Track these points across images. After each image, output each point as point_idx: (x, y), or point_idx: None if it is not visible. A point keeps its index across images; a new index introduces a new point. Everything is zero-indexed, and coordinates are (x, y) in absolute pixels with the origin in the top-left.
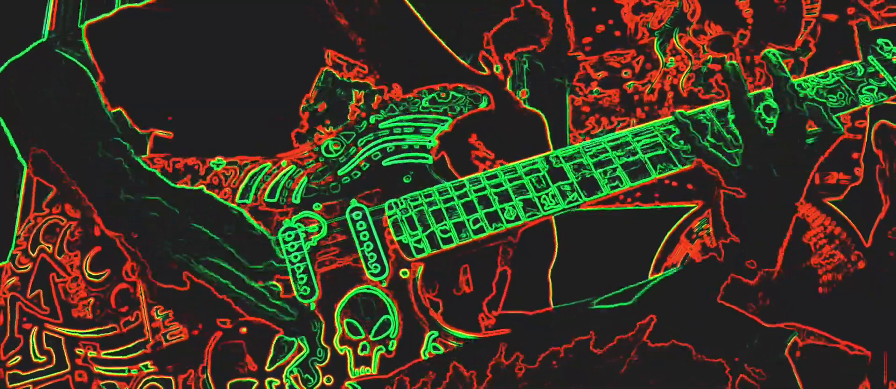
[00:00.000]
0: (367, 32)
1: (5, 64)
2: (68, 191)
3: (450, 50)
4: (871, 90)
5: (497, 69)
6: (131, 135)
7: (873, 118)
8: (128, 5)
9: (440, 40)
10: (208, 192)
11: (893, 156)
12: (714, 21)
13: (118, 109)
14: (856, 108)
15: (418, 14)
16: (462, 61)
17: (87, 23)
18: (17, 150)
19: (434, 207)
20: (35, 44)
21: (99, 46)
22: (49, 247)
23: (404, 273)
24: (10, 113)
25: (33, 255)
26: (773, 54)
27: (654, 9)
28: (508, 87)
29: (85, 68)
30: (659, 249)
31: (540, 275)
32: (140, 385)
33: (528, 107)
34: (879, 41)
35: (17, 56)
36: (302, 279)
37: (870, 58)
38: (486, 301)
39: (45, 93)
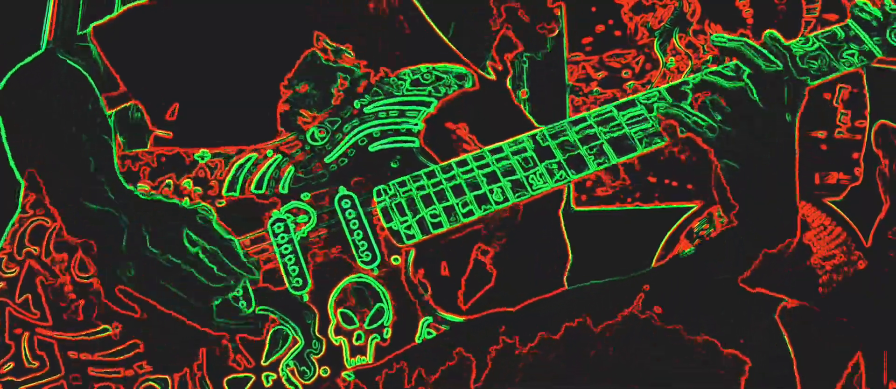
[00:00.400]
0: (368, 28)
1: (10, 73)
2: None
3: (457, 51)
4: (852, 54)
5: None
6: (133, 135)
7: (873, 117)
8: (131, 5)
9: (446, 39)
10: (171, 200)
11: (893, 156)
12: (714, 21)
13: (133, 103)
14: (837, 74)
15: (423, 11)
16: (469, 63)
17: (94, 24)
18: (12, 163)
19: (423, 192)
20: (39, 52)
21: (108, 47)
22: (35, 250)
23: (396, 259)
24: (12, 123)
25: (20, 259)
26: (718, 37)
27: (654, 9)
28: (508, 87)
29: (86, 74)
30: (659, 249)
31: (555, 281)
32: (136, 385)
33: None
34: (859, 2)
35: (21, 64)
36: (293, 270)
37: (849, 21)
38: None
39: (46, 101)
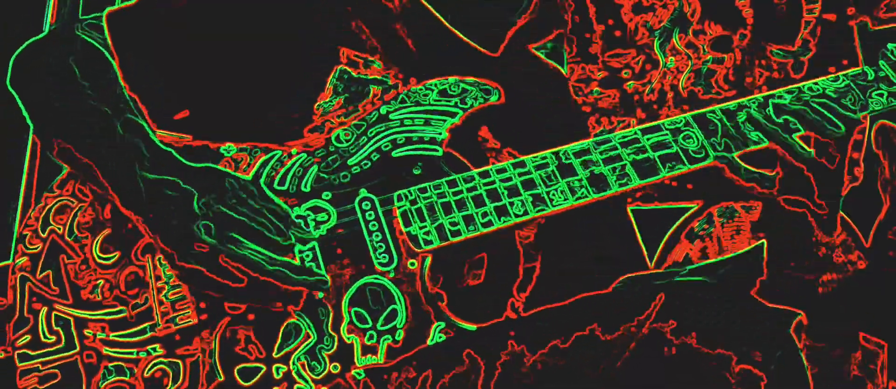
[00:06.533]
0: (385, 30)
1: (24, 44)
2: (90, 175)
3: (457, 32)
4: (881, 94)
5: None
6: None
7: (873, 119)
8: None
9: (446, 22)
10: (223, 168)
11: (893, 156)
12: (714, 21)
13: (133, 97)
14: (866, 113)
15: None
16: (471, 42)
17: (108, 10)
18: (31, 133)
19: (443, 199)
20: (52, 26)
21: (118, 35)
22: (59, 228)
23: (412, 264)
24: (29, 95)
25: (43, 235)
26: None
27: (654, 9)
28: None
29: (104, 51)
30: (659, 249)
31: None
32: (148, 367)
33: (548, 60)
34: (890, 46)
35: (37, 37)
36: (311, 267)
37: (880, 62)
38: (516, 284)
39: (62, 76)
